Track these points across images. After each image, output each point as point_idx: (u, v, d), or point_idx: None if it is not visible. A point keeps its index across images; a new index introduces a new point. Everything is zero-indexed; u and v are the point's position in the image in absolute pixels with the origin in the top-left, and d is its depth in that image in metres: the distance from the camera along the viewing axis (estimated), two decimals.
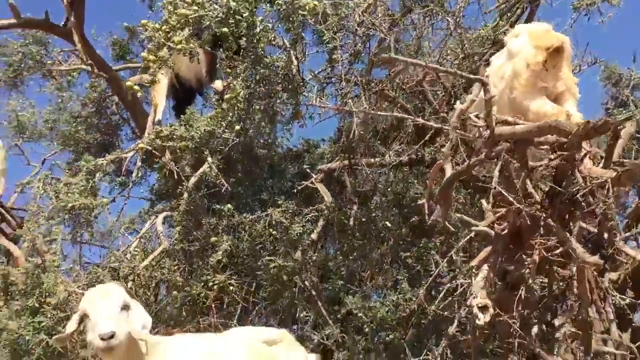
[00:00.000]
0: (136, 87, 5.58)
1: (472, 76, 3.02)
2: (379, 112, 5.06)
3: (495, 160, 3.01)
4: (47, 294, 4.05)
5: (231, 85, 4.83)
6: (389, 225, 5.70)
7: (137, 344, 2.89)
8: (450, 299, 3.74)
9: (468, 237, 3.76)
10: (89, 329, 2.77)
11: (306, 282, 5.04)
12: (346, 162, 5.93)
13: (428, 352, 3.51)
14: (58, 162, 7.79)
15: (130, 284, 4.50)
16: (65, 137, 7.63)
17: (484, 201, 3.86)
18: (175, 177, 5.85)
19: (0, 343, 3.99)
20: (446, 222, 3.40)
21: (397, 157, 5.86)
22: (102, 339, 2.64)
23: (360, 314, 5.75)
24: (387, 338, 6.01)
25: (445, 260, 4.38)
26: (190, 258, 5.14)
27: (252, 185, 6.50)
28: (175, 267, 5.02)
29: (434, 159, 5.97)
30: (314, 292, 5.30)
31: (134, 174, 5.92)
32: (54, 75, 7.83)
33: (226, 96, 4.82)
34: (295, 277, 4.93)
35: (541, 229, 3.05)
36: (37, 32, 7.27)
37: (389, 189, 5.88)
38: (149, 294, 4.91)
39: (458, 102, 3.26)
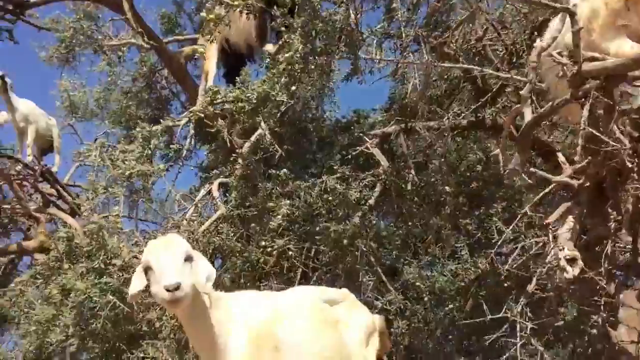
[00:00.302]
0: (200, 50, 5.50)
1: (557, 5, 2.77)
2: (441, 64, 4.84)
3: (582, 100, 2.79)
4: (111, 255, 4.03)
5: (288, 41, 4.69)
6: (448, 190, 5.51)
7: (200, 296, 2.81)
8: (526, 256, 3.56)
9: (542, 193, 3.54)
10: (153, 281, 2.66)
11: (364, 248, 4.90)
12: (402, 125, 5.75)
13: (507, 310, 3.34)
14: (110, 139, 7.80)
15: None
16: (116, 114, 7.66)
17: (559, 154, 3.66)
18: (228, 144, 5.81)
19: (68, 305, 4.00)
20: (523, 174, 3.19)
21: (456, 119, 5.64)
22: (168, 290, 2.52)
23: (418, 284, 5.63)
24: (446, 308, 5.90)
25: (511, 227, 4.14)
26: (247, 224, 5.06)
27: (301, 158, 6.41)
28: (233, 233, 4.96)
29: (494, 122, 5.76)
30: (372, 259, 5.18)
31: (186, 143, 5.88)
32: (104, 50, 7.86)
33: (286, 55, 4.68)
34: (357, 241, 4.80)
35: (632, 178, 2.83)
36: (88, 6, 7.29)
37: (447, 154, 5.66)
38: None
39: (538, 40, 3.04)
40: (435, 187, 5.54)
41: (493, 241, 5.47)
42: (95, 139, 7.21)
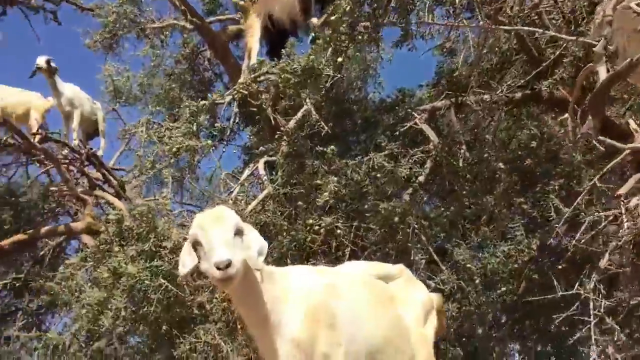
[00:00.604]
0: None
1: None
2: (496, 27, 4.57)
3: None
4: (161, 237, 3.98)
5: (336, 3, 4.51)
6: (502, 166, 5.28)
7: (252, 272, 2.67)
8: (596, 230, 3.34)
9: (613, 162, 3.30)
10: (202, 258, 2.52)
11: (416, 225, 4.74)
12: (452, 99, 5.53)
13: (579, 287, 3.15)
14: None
15: None
16: (159, 97, 7.64)
17: (631, 120, 3.42)
18: (272, 122, 5.71)
19: (119, 289, 3.96)
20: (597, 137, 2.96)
21: (510, 92, 5.38)
22: (219, 267, 2.37)
23: (469, 265, 5.44)
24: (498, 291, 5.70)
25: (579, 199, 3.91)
26: (294, 202, 4.95)
27: (344, 140, 6.26)
28: (280, 212, 4.85)
29: (551, 95, 5.48)
30: (424, 237, 5.02)
31: (230, 122, 5.79)
32: (147, 34, 7.83)
33: (332, 19, 4.50)
34: (408, 218, 4.63)
35: None
36: None
37: (499, 130, 5.41)
38: None
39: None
40: (488, 163, 5.29)
41: (550, 219, 5.29)
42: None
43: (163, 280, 3.82)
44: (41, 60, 7.73)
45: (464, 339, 5.91)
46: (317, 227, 4.66)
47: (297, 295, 2.84)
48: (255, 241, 2.68)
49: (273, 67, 5.14)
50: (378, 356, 3.04)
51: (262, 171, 5.20)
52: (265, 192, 4.99)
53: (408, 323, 3.25)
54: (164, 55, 8.02)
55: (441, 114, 5.58)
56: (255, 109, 6.12)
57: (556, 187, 5.36)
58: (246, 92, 5.70)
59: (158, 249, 3.92)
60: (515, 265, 5.49)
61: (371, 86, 6.76)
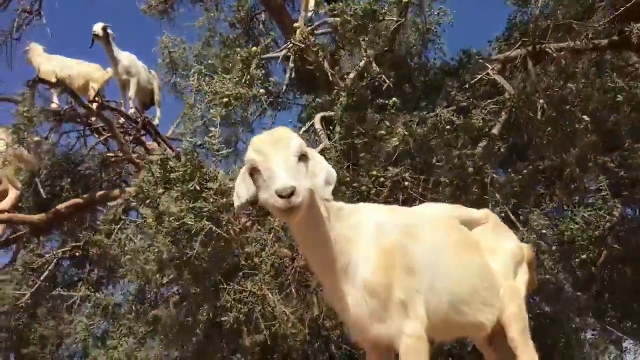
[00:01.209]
0: None
1: None
2: None
3: None
4: (207, 178, 3.66)
5: None
6: (587, 119, 4.70)
7: (318, 205, 2.30)
8: None
9: None
10: (261, 187, 2.18)
11: (495, 176, 4.25)
12: (529, 48, 4.99)
13: None
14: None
15: None
16: (214, 65, 7.39)
17: None
18: (330, 78, 5.35)
19: (163, 231, 3.67)
20: None
21: (595, 39, 4.80)
22: (281, 196, 2.03)
23: (544, 231, 4.90)
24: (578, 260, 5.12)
25: None
26: (356, 154, 4.55)
27: (405, 106, 5.80)
28: (340, 164, 4.46)
29: None
30: (498, 195, 4.52)
31: (286, 78, 5.44)
32: None
33: None
34: (486, 167, 4.15)
35: None
36: None
37: (583, 82, 4.82)
38: None
39: None
40: (571, 115, 4.72)
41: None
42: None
43: (207, 222, 3.48)
44: (98, 28, 7.66)
45: (538, 311, 5.37)
46: (382, 179, 4.24)
47: (370, 234, 2.44)
48: (322, 168, 2.29)
49: (332, 10, 4.73)
50: (463, 308, 2.63)
51: (318, 125, 4.82)
52: (322, 145, 4.61)
53: (498, 275, 2.82)
54: (219, 20, 7.79)
55: (516, 65, 5.02)
56: (311, 67, 5.80)
57: None
58: (303, 46, 5.35)
59: (203, 189, 3.59)
60: (597, 233, 4.90)
61: (432, 52, 6.27)
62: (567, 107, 4.70)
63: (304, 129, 5.08)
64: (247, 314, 3.64)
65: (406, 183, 4.20)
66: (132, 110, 7.91)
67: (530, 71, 4.94)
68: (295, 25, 5.78)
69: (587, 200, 5.20)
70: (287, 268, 4.08)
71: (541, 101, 4.74)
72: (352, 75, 5.06)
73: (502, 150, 4.50)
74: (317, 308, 4.02)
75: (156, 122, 8.17)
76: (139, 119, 7.41)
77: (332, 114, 4.90)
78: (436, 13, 5.86)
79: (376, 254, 2.39)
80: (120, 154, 6.94)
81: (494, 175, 4.32)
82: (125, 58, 8.09)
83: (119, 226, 4.74)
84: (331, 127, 4.83)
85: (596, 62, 5.14)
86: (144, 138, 7.35)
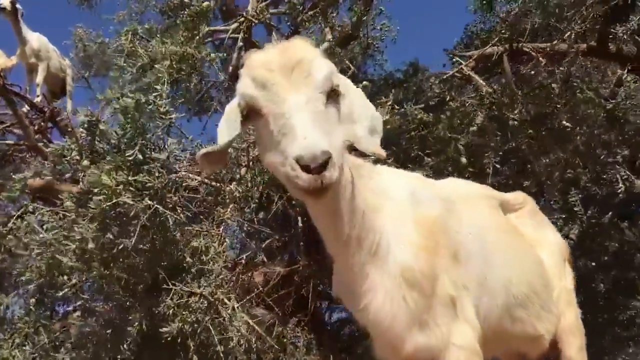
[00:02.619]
0: None
1: None
2: None
3: None
4: (152, 147, 2.87)
5: None
6: (567, 124, 4.32)
7: (347, 168, 1.61)
8: None
9: None
10: (266, 142, 1.47)
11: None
12: (506, 45, 4.60)
13: None
14: None
15: None
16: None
17: None
18: None
19: (87, 216, 2.80)
20: None
21: (578, 41, 4.48)
22: (307, 168, 1.31)
23: None
24: None
25: None
26: None
27: None
28: None
29: (619, 51, 4.58)
30: None
31: (234, 57, 4.72)
32: None
33: None
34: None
35: None
36: None
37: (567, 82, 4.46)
38: None
39: None
40: (553, 117, 4.32)
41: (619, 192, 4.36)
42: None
43: (150, 202, 2.66)
44: (5, 0, 6.61)
45: None
46: None
47: (404, 204, 1.77)
48: (362, 109, 1.61)
49: None
50: (519, 314, 2.02)
51: None
52: None
53: (550, 272, 2.24)
54: (146, 7, 6.90)
55: (493, 62, 4.61)
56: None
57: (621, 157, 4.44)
58: (256, 22, 4.70)
59: (146, 159, 2.78)
60: None
61: (371, 67, 5.79)
62: (547, 111, 4.29)
63: None
64: (194, 323, 2.81)
65: None
66: (39, 98, 6.84)
67: (506, 69, 4.53)
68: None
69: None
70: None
71: (519, 99, 4.32)
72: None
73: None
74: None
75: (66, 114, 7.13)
76: (46, 109, 6.37)
77: None
78: (379, 27, 5.30)
79: (417, 231, 1.72)
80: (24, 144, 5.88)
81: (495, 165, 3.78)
82: (35, 39, 7.06)
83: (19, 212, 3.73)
84: None
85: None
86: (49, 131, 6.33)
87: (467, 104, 4.22)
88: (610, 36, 4.41)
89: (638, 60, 4.56)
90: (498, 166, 3.85)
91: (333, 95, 1.50)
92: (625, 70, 4.35)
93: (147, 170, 2.76)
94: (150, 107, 2.82)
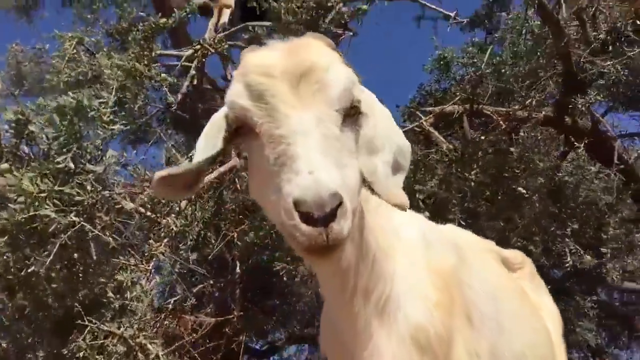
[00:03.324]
0: None
1: None
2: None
3: None
4: (88, 156, 2.45)
5: None
6: (524, 192, 4.21)
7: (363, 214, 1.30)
8: None
9: None
10: (258, 166, 1.15)
11: None
12: (467, 106, 4.52)
13: None
14: None
15: None
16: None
17: None
18: None
19: None
20: None
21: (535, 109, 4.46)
22: (309, 217, 0.99)
23: None
24: None
25: None
26: None
27: None
28: None
29: (574, 123, 4.59)
30: None
31: (184, 86, 4.37)
32: None
33: None
34: None
35: None
36: None
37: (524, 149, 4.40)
38: None
39: None
40: (509, 182, 4.20)
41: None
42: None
43: (76, 219, 2.23)
44: None
45: None
46: None
47: (416, 250, 1.45)
48: (387, 135, 1.27)
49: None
50: None
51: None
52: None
53: (556, 348, 2.01)
54: (94, 25, 6.50)
55: (452, 120, 4.49)
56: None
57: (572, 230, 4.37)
58: (213, 51, 4.41)
59: (79, 170, 2.35)
60: None
61: None
62: (506, 173, 4.18)
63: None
64: None
65: None
66: None
67: (465, 130, 4.43)
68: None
69: None
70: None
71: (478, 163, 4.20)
72: None
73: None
74: None
75: None
76: None
77: None
78: None
79: (431, 283, 1.40)
80: None
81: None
82: None
83: None
84: None
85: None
86: None
87: (429, 157, 4.03)
88: (570, 106, 4.39)
89: (592, 134, 4.58)
90: (464, 223, 3.61)
91: (352, 115, 1.19)
92: (579, 144, 4.33)
93: (77, 182, 2.33)
94: (92, 112, 2.42)
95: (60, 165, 2.30)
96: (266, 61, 1.17)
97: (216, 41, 4.44)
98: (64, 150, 2.34)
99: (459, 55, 5.00)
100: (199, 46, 4.39)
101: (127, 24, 6.40)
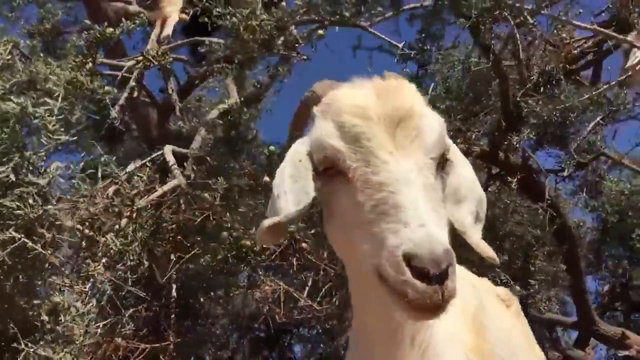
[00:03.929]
0: None
1: None
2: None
3: None
4: (31, 167, 2.25)
5: None
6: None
7: None
8: None
9: None
10: (346, 215, 1.10)
11: None
12: None
13: None
14: None
15: None
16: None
17: None
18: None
19: None
20: None
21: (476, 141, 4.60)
22: (423, 274, 0.94)
23: None
24: None
25: None
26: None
27: None
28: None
29: (506, 160, 4.75)
30: None
31: (122, 96, 4.16)
32: None
33: None
34: None
35: None
36: None
37: None
38: None
39: None
40: None
41: None
42: None
43: (15, 234, 2.04)
44: None
45: None
46: None
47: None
48: (470, 185, 1.24)
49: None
50: None
51: (170, 158, 3.68)
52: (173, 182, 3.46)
53: None
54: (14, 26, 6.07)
55: None
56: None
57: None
58: (156, 63, 4.26)
59: (20, 181, 2.16)
60: None
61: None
62: None
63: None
64: None
65: (303, 244, 3.17)
66: None
67: None
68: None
69: None
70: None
71: None
72: (214, 113, 4.11)
73: None
74: None
75: None
76: None
77: (187, 150, 3.81)
78: None
79: (465, 325, 1.38)
80: None
81: None
82: None
83: None
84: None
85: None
86: None
87: None
88: (506, 142, 4.55)
89: (522, 170, 4.76)
90: None
91: (442, 163, 1.17)
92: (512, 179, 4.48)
93: (17, 194, 2.14)
94: (36, 120, 2.24)
95: (0, 176, 2.09)
96: (361, 102, 1.13)
97: (159, 53, 4.31)
98: (5, 159, 2.14)
99: None
100: (141, 57, 4.24)
101: (50, 25, 6.13)
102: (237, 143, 3.82)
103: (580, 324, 5.64)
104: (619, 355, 5.49)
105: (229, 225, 3.26)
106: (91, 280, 2.83)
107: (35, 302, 2.38)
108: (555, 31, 4.64)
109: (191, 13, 4.99)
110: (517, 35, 4.16)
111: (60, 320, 2.48)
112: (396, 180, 1.04)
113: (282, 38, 3.58)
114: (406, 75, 5.32)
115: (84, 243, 2.92)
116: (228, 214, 3.31)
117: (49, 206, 2.23)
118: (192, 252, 3.24)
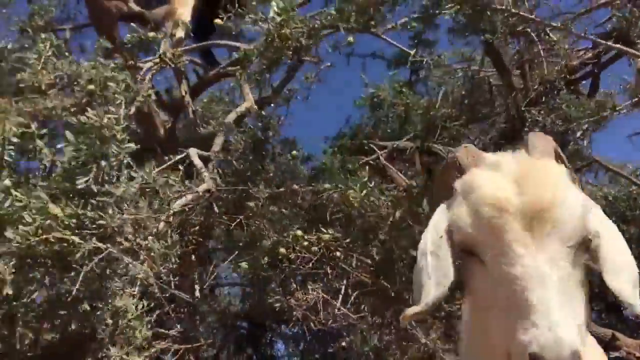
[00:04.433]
0: None
1: None
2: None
3: None
4: (108, 176, 2.27)
5: None
6: None
7: None
8: None
9: None
10: (483, 292, 1.20)
11: None
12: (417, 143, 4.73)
13: None
14: None
15: None
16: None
17: None
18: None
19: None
20: None
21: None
22: None
23: None
24: None
25: None
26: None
27: None
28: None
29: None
30: None
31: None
32: None
33: None
34: None
35: None
36: None
37: None
38: None
39: None
40: None
41: None
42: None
43: (100, 244, 2.07)
44: None
45: None
46: (307, 243, 3.23)
47: None
48: (622, 256, 1.25)
49: None
50: None
51: (197, 161, 3.70)
52: (203, 186, 3.49)
53: None
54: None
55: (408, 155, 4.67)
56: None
57: None
58: (173, 65, 4.27)
59: (98, 192, 2.17)
60: None
61: None
62: None
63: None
64: None
65: (337, 253, 3.25)
66: None
67: (416, 165, 4.62)
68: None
69: None
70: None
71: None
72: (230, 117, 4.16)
73: None
74: None
75: None
76: None
77: (208, 153, 3.84)
78: None
79: None
80: None
81: None
82: None
83: None
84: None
85: None
86: None
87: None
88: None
89: None
90: None
91: (585, 243, 1.20)
92: None
93: (97, 204, 2.16)
94: (104, 130, 2.26)
95: (81, 186, 2.11)
96: (500, 193, 1.18)
97: (175, 55, 4.31)
98: (86, 169, 2.16)
99: (390, 94, 5.15)
100: (158, 59, 4.23)
101: (42, 21, 5.99)
102: (263, 147, 3.87)
103: None
104: (609, 356, 5.72)
105: (267, 232, 3.31)
106: (138, 283, 2.86)
107: (100, 305, 2.40)
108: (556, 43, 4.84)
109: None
110: (527, 49, 4.35)
111: (121, 323, 2.52)
112: (530, 276, 1.09)
113: (312, 47, 3.65)
114: (399, 81, 5.43)
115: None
116: (265, 221, 3.36)
117: (126, 215, 2.26)
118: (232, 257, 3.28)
